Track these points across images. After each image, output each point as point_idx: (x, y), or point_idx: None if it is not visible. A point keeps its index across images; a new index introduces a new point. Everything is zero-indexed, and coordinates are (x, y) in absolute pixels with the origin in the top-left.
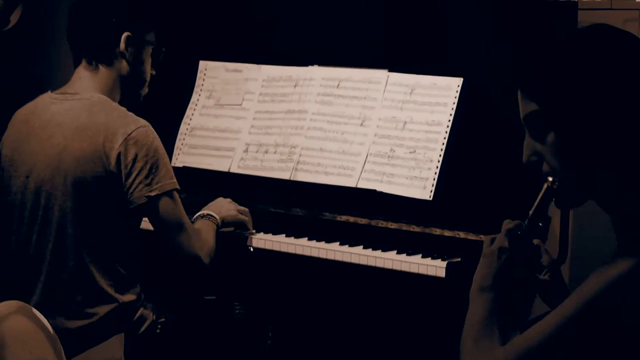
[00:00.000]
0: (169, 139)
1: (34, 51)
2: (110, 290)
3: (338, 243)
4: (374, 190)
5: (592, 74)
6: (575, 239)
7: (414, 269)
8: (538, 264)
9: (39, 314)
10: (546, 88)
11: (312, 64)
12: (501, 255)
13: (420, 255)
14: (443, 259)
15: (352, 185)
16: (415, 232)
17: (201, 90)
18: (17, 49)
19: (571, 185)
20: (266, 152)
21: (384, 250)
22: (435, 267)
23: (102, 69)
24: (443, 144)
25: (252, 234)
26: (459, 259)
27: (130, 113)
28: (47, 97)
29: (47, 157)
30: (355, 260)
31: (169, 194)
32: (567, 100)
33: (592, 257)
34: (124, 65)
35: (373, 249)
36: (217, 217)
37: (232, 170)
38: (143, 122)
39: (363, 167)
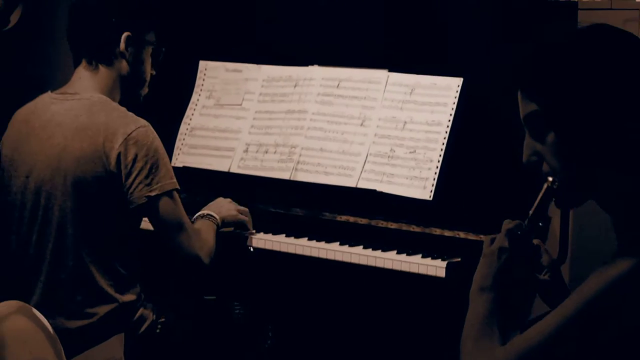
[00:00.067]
0: (169, 139)
1: (34, 51)
2: (110, 290)
3: (338, 243)
4: (374, 190)
5: (592, 74)
6: (575, 239)
7: (414, 269)
8: (538, 264)
9: (39, 314)
10: (546, 88)
11: (312, 64)
12: (501, 255)
13: (420, 255)
14: (443, 259)
15: (352, 185)
16: (415, 232)
17: (201, 90)
18: (17, 49)
19: (571, 185)
20: (266, 152)
21: (384, 250)
22: (435, 267)
23: (102, 69)
24: (443, 144)
25: (252, 234)
26: (459, 259)
27: (130, 113)
28: (47, 97)
29: (47, 157)
30: (355, 260)
31: (169, 193)
32: (567, 100)
33: (592, 257)
34: (124, 65)
35: (373, 249)
36: (217, 217)
37: (232, 170)
38: (143, 122)
39: (363, 167)
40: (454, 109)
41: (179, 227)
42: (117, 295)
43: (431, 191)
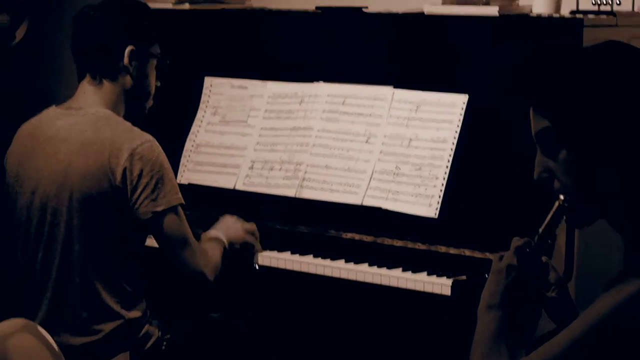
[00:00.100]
0: (174, 156)
1: (40, 66)
2: (116, 307)
3: (343, 260)
4: (380, 208)
5: (603, 91)
6: (581, 256)
7: (419, 287)
8: (546, 281)
9: (44, 331)
10: (558, 105)
11: (317, 81)
12: (510, 273)
13: (425, 273)
14: (448, 277)
15: (358, 202)
16: (421, 249)
17: (207, 106)
18: (23, 64)
19: (583, 203)
20: (271, 169)
21: (389, 268)
22: (441, 285)
23: (106, 83)
24: (449, 161)
25: (260, 249)
26: (465, 277)
27: (136, 128)
28: (52, 112)
29: (53, 173)
30: (360, 278)
31: (174, 209)
32: (579, 117)
33: (597, 274)
34: (128, 80)
35: (378, 267)
36: (225, 239)
37: (237, 188)
38: (148, 136)
39: (368, 184)
40: (460, 126)
41: (184, 243)
42: (123, 312)
43: (437, 209)
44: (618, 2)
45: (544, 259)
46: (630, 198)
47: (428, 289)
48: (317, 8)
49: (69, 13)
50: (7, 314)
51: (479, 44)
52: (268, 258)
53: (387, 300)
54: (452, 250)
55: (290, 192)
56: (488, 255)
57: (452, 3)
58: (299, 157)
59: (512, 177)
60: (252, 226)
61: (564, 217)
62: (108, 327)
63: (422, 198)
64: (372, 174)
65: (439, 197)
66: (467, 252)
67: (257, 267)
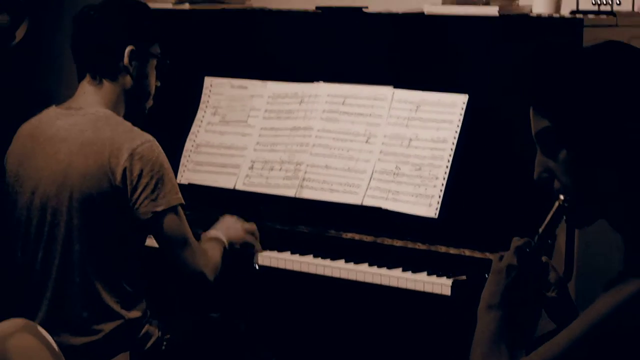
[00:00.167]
0: (174, 156)
1: (40, 66)
2: (116, 307)
3: (343, 260)
4: (380, 208)
5: (604, 91)
6: (581, 256)
7: (419, 287)
8: (546, 281)
9: (44, 331)
10: (558, 105)
11: (317, 81)
12: (510, 273)
13: (425, 273)
14: (448, 277)
15: (358, 202)
16: (421, 249)
17: (207, 106)
18: (23, 64)
19: (583, 203)
20: (271, 169)
21: (389, 268)
22: (441, 285)
23: (106, 83)
24: (448, 161)
25: (260, 250)
26: (465, 277)
27: (136, 128)
28: (52, 112)
29: (53, 173)
30: (360, 277)
31: (174, 209)
32: (579, 116)
33: (597, 274)
34: (128, 80)
35: (378, 267)
36: (225, 239)
37: (237, 188)
38: (148, 136)
39: (368, 184)
40: (460, 126)
41: (184, 243)
42: (123, 312)
43: (437, 209)
44: (618, 2)
45: (544, 259)
46: (630, 198)
47: (428, 289)
48: (317, 8)
49: (69, 13)
50: (7, 314)
51: (479, 44)
52: (268, 258)
53: (387, 300)
54: (452, 250)
55: (290, 192)
56: (488, 255)
57: (452, 3)
58: (299, 157)
59: (512, 177)
60: (252, 226)
61: (564, 217)
62: (108, 327)
63: (422, 198)
64: (372, 174)
65: (439, 197)
66: (467, 252)
67: (257, 267)
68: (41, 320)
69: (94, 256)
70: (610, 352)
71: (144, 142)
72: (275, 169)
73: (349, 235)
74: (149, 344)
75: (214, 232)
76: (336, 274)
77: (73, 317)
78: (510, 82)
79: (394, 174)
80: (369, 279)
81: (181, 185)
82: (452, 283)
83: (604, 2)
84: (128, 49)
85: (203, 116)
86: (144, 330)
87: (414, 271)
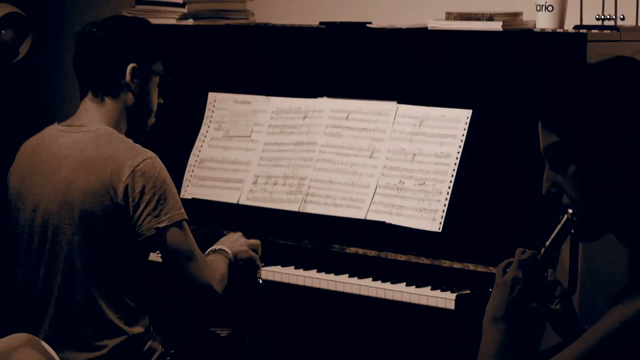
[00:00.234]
0: (178, 171)
1: (43, 83)
2: (119, 323)
3: (347, 275)
4: (383, 222)
5: (613, 106)
6: (585, 269)
7: (423, 301)
8: (550, 294)
9: (48, 346)
10: (567, 120)
11: (321, 96)
12: (515, 286)
13: (429, 287)
14: (452, 291)
15: (361, 217)
16: (425, 264)
17: (210, 121)
18: (26, 81)
19: (591, 217)
20: (275, 183)
21: (393, 282)
22: (445, 299)
23: (108, 100)
24: (452, 175)
25: (262, 266)
26: (468, 291)
27: (137, 145)
28: (53, 129)
29: (54, 191)
30: (364, 292)
31: (178, 224)
32: (588, 132)
33: (601, 288)
34: (129, 97)
35: (382, 281)
36: (229, 251)
37: (241, 202)
38: (150, 153)
39: (372, 199)
40: (463, 141)
41: (190, 257)
42: (126, 328)
43: (440, 223)
44: (622, 17)
45: (549, 272)
46: (639, 212)
47: (432, 303)
48: (320, 23)
49: (72, 30)
50: (9, 330)
51: (483, 59)
52: (272, 272)
53: (391, 315)
54: (456, 265)
55: (294, 207)
56: (492, 269)
57: (456, 18)
58: (303, 172)
59: (515, 191)
60: (255, 242)
61: (572, 231)
62: (111, 343)
63: (426, 212)
64: (376, 188)
65: (443, 211)
66: (471, 267)
67: (261, 282)
68: (44, 337)
69: (96, 273)
70: None
71: (146, 158)
72: (279, 183)
73: (353, 249)
74: None
75: (218, 245)
76: (340, 289)
77: (76, 333)
78: (514, 97)
79: (397, 188)
80: (372, 293)
81: (185, 200)
82: (456, 297)
83: (608, 17)
84: (130, 66)
85: (207, 131)
86: (147, 346)
87: (418, 285)
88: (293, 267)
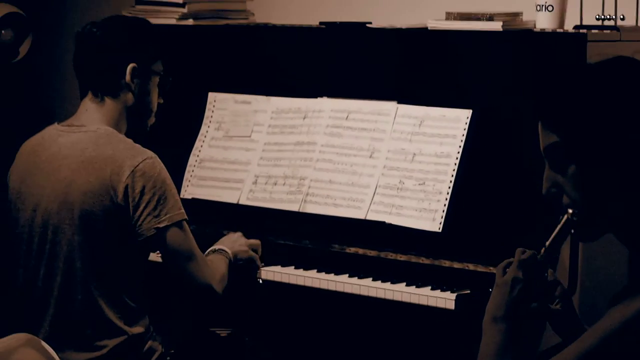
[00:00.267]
0: (178, 171)
1: (43, 83)
2: (119, 323)
3: (347, 275)
4: (383, 222)
5: (613, 106)
6: (585, 269)
7: (423, 301)
8: (550, 294)
9: (48, 346)
10: (567, 120)
11: (321, 96)
12: (515, 286)
13: (429, 287)
14: (452, 291)
15: (361, 217)
16: (425, 264)
17: (210, 121)
18: (26, 81)
19: (591, 217)
20: (275, 183)
21: (393, 282)
22: (445, 299)
23: (108, 100)
24: (452, 175)
25: (262, 266)
26: (468, 291)
27: (137, 145)
28: (53, 129)
29: (54, 191)
30: (364, 292)
31: (178, 224)
32: (588, 132)
33: (601, 287)
34: (129, 97)
35: (382, 281)
36: (229, 251)
37: (241, 202)
38: (150, 153)
39: (372, 199)
40: (463, 141)
41: (190, 257)
42: (126, 328)
43: (440, 223)
44: (622, 17)
45: (549, 272)
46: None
47: (432, 302)
48: (320, 23)
49: (73, 30)
50: (9, 330)
51: (483, 59)
52: (272, 273)
53: (391, 315)
54: (456, 265)
55: (294, 207)
56: (491, 269)
57: (456, 18)
58: (303, 172)
59: (515, 191)
60: (255, 242)
61: (572, 231)
62: (111, 343)
63: (426, 212)
64: (376, 188)
65: (443, 211)
66: (471, 266)
67: (261, 282)
68: (44, 337)
69: (96, 273)
70: None
71: (146, 158)
72: (279, 183)
73: (353, 249)
74: None
75: (218, 245)
76: (340, 289)
77: (76, 333)
78: (514, 97)
79: (397, 188)
80: (372, 293)
81: (185, 200)
82: (456, 297)
83: (608, 17)
84: (130, 66)
85: (207, 131)
86: (147, 346)
87: (418, 285)
88: (293, 267)
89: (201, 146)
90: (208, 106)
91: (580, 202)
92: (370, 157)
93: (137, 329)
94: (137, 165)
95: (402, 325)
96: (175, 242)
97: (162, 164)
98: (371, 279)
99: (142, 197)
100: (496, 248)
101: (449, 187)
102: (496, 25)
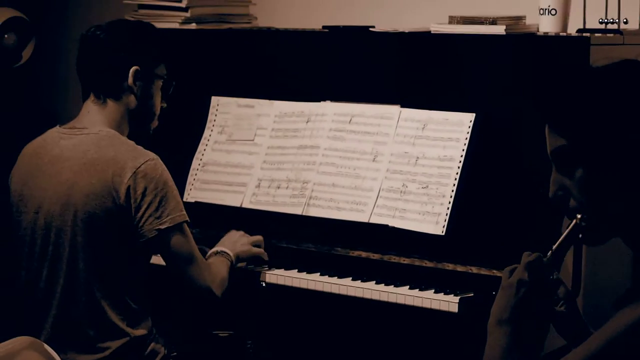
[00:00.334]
0: (181, 174)
1: (46, 86)
2: (122, 325)
3: (350, 278)
4: (387, 226)
5: (620, 109)
6: (588, 271)
7: (426, 304)
8: (555, 296)
9: (50, 349)
10: (575, 123)
11: (324, 100)
12: (520, 288)
13: (432, 291)
14: (456, 294)
15: (365, 220)
16: (428, 267)
17: (213, 125)
18: (29, 84)
19: (599, 221)
20: (278, 187)
21: (396, 286)
22: (448, 303)
23: (110, 103)
24: (455, 179)
25: (265, 268)
26: (472, 294)
27: (139, 146)
28: (55, 132)
29: (56, 193)
30: (367, 295)
31: (179, 226)
32: (596, 135)
33: (605, 290)
34: (132, 100)
35: (386, 284)
36: (232, 254)
37: (244, 206)
38: (152, 155)
39: (375, 202)
40: (467, 145)
41: (190, 259)
42: (129, 330)
43: (444, 226)
44: (625, 21)
45: (554, 274)
46: None
47: (435, 306)
48: (323, 27)
49: (76, 34)
50: (11, 332)
51: (486, 63)
52: (275, 276)
53: (394, 318)
54: (459, 268)
55: (297, 210)
56: (495, 272)
57: (459, 22)
58: (306, 176)
59: (518, 195)
60: (257, 238)
61: (579, 235)
62: (114, 345)
63: (429, 216)
64: (379, 192)
65: (446, 214)
66: (474, 270)
67: (264, 285)
68: (46, 339)
69: (98, 275)
70: None
71: (147, 160)
72: (282, 187)
73: (356, 253)
74: None
75: (220, 247)
76: (343, 292)
77: (79, 335)
78: (517, 100)
79: (400, 192)
80: (376, 296)
81: (188, 204)
82: (459, 300)
83: (611, 21)
84: (133, 69)
85: (210, 135)
86: (150, 348)
87: (421, 289)
88: (296, 270)
89: (204, 150)
90: (211, 110)
91: (587, 205)
92: (374, 160)
93: (140, 331)
94: (139, 167)
95: (405, 329)
96: (176, 244)
97: (164, 166)
98: (374, 282)
99: (144, 198)
100: (499, 251)
101: (452, 191)
102: (499, 29)
